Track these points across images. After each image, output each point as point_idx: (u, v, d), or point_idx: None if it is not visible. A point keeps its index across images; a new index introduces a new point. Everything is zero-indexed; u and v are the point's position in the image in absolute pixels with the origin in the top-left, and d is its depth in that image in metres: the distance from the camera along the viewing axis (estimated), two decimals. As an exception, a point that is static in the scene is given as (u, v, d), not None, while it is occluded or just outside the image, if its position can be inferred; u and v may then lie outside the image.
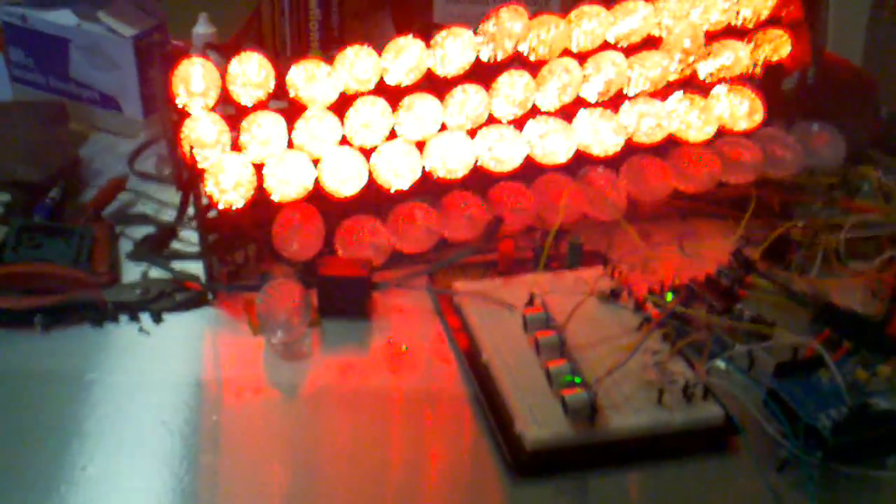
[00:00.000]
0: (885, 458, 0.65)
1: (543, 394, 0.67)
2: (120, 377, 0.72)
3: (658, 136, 0.93)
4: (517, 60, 0.92)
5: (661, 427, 0.65)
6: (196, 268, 0.83)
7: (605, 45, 0.94)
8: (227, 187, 0.82)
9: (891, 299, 0.77)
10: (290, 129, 0.85)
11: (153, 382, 0.71)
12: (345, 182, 0.85)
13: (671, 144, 0.93)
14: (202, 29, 1.09)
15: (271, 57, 0.86)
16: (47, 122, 1.02)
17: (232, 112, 0.85)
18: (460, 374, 0.73)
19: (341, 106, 0.86)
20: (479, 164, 0.89)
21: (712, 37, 0.97)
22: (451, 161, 0.88)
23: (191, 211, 0.85)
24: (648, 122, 0.93)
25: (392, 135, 0.87)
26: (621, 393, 0.67)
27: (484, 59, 0.90)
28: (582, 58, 0.92)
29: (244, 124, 0.84)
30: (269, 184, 0.83)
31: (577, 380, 0.66)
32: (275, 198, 0.84)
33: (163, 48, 1.05)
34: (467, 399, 0.71)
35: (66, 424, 0.67)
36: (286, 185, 0.84)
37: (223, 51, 1.03)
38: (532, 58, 0.91)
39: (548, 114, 0.92)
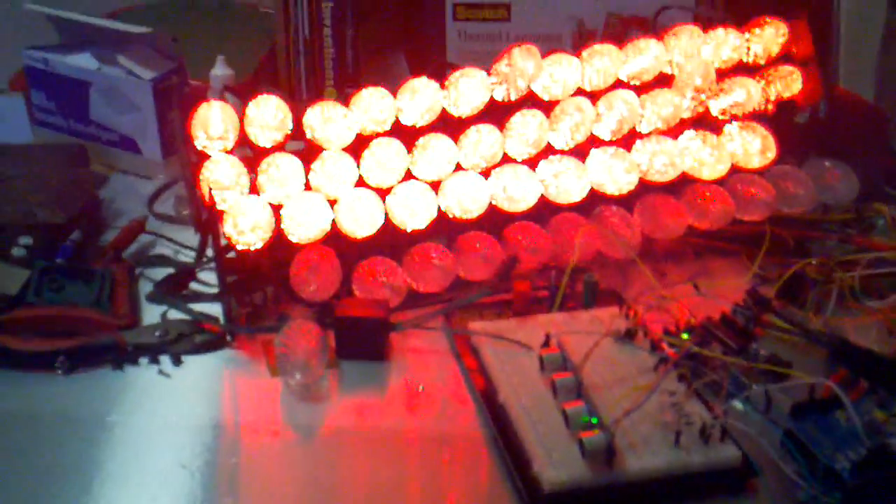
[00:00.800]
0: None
1: (561, 435, 0.67)
2: (140, 419, 0.72)
3: (671, 174, 0.93)
4: (530, 100, 0.93)
5: (678, 469, 0.65)
6: (215, 309, 0.84)
7: (618, 84, 0.95)
8: (245, 229, 0.83)
9: (907, 337, 0.77)
10: (307, 170, 0.86)
11: (173, 424, 0.72)
12: (361, 223, 0.86)
13: (684, 182, 0.94)
14: (220, 71, 1.11)
15: (288, 98, 0.87)
16: (68, 164, 1.03)
17: (249, 154, 0.86)
18: (477, 416, 0.73)
19: (357, 147, 0.87)
20: (493, 203, 0.90)
21: (723, 74, 0.98)
22: (466, 201, 0.89)
23: (209, 252, 0.86)
24: (661, 159, 0.93)
25: (408, 175, 0.89)
26: (639, 434, 0.67)
27: (498, 98, 0.91)
28: (594, 97, 0.93)
29: (262, 166, 0.85)
30: (286, 225, 0.84)
31: (595, 420, 0.67)
32: (293, 239, 0.85)
33: (181, 91, 1.07)
34: (484, 440, 0.71)
35: (86, 466, 0.67)
36: (304, 227, 0.85)
37: (240, 93, 1.05)
38: (545, 97, 0.92)
39: (561, 153, 0.93)
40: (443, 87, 0.89)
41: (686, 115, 0.96)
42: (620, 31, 1.15)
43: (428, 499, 0.67)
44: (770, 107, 0.98)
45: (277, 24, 1.17)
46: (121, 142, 1.11)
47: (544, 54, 0.91)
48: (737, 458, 0.66)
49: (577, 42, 1.17)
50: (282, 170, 0.85)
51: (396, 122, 0.89)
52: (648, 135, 0.95)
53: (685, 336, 0.77)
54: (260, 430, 0.72)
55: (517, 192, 0.90)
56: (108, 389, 0.75)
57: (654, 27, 1.00)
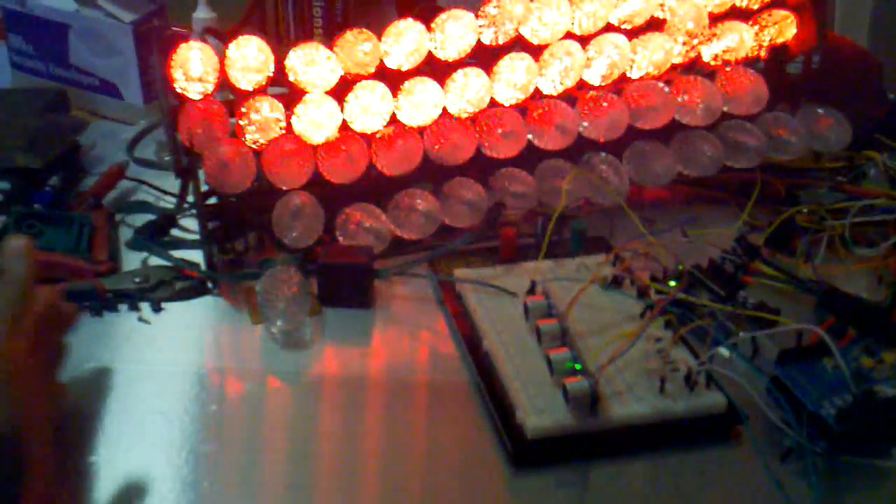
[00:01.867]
0: (891, 447, 0.64)
1: (545, 382, 0.66)
2: (119, 366, 0.71)
3: (660, 120, 0.91)
4: (519, 44, 0.91)
5: (662, 415, 0.64)
6: (196, 256, 0.83)
7: (608, 28, 0.93)
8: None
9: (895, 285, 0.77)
10: (290, 114, 0.84)
11: (153, 372, 0.71)
12: (343, 168, 0.85)
13: (674, 129, 0.92)
14: (202, 14, 1.08)
15: (270, 41, 0.85)
16: (47, 109, 1.01)
17: (231, 97, 0.85)
18: (462, 363, 0.72)
19: (341, 90, 0.85)
20: (480, 149, 0.88)
21: (716, 19, 0.96)
22: (451, 146, 0.87)
23: (190, 198, 0.85)
24: (652, 104, 0.92)
25: (393, 119, 0.87)
26: (623, 381, 0.66)
27: (485, 42, 0.89)
28: (584, 41, 0.91)
29: (243, 109, 0.83)
30: (268, 169, 0.83)
31: (579, 367, 0.66)
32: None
33: (161, 33, 1.05)
34: (469, 388, 0.70)
35: (66, 414, 0.66)
36: (286, 172, 0.83)
37: (222, 36, 1.02)
38: (534, 41, 0.90)
39: (550, 97, 0.91)
40: (429, 29, 0.87)
41: (678, 60, 0.94)
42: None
43: (411, 446, 0.66)
44: (763, 52, 0.96)
45: (265, -30, 1.14)
46: (101, 86, 1.09)
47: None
48: (722, 404, 0.65)
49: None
50: (262, 113, 0.83)
51: (381, 66, 0.87)
52: (639, 80, 0.93)
53: (672, 283, 0.76)
54: (241, 377, 0.72)
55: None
56: (87, 336, 0.74)
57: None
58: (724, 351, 0.71)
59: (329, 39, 0.86)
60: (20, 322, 0.57)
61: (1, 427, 0.52)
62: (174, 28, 1.11)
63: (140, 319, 0.76)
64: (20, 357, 0.55)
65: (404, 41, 0.86)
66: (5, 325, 0.56)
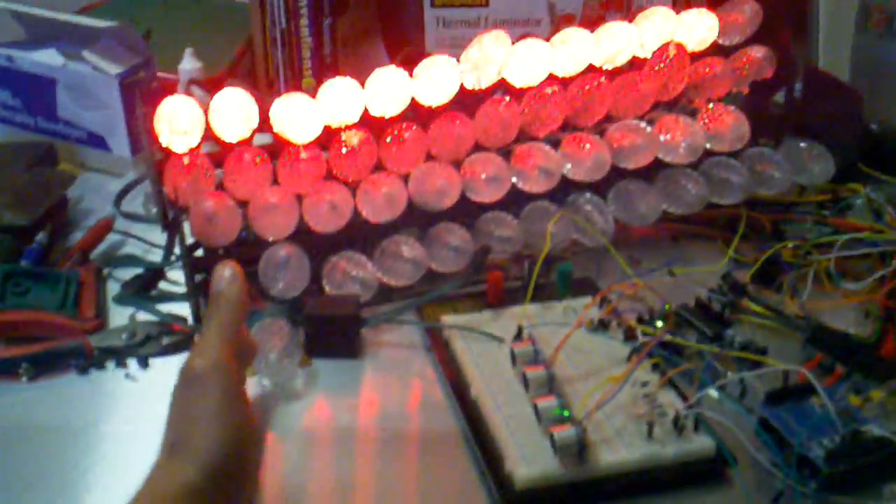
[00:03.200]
0: (881, 486, 0.64)
1: (533, 430, 0.66)
2: (107, 426, 0.71)
3: (644, 160, 0.92)
4: (502, 87, 0.91)
5: (651, 461, 0.64)
6: (184, 309, 0.83)
7: (590, 69, 0.93)
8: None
9: (882, 320, 0.76)
10: (276, 165, 0.85)
11: (141, 430, 0.70)
12: (329, 217, 0.85)
13: (658, 167, 0.93)
14: (188, 65, 1.09)
15: (255, 91, 0.86)
16: (35, 164, 1.02)
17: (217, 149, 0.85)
18: (450, 411, 0.72)
19: (326, 140, 0.86)
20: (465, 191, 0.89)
21: (697, 56, 0.96)
22: (436, 189, 0.87)
23: (178, 251, 0.85)
24: (634, 143, 0.92)
25: (377, 166, 0.87)
26: (611, 427, 0.66)
27: (468, 86, 0.90)
28: (566, 83, 0.92)
29: (228, 162, 0.84)
30: (253, 221, 0.83)
31: (567, 414, 0.66)
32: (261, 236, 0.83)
33: (145, 87, 1.06)
34: (458, 436, 0.70)
35: (51, 476, 0.66)
36: (272, 224, 0.83)
37: (207, 86, 1.03)
38: (516, 83, 0.91)
39: (534, 139, 0.91)
40: (412, 75, 0.87)
41: (659, 98, 0.94)
42: (599, 15, 1.13)
43: (401, 496, 0.66)
44: (744, 88, 0.96)
45: (253, 16, 1.15)
46: (89, 139, 1.09)
47: (519, 37, 0.90)
48: (711, 448, 0.65)
49: (553, 27, 1.16)
50: (246, 165, 0.84)
51: (366, 113, 0.87)
52: (621, 119, 0.93)
53: (659, 323, 0.77)
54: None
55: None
56: (74, 395, 0.74)
57: (630, 10, 0.98)
58: (712, 392, 0.71)
59: (319, 83, 0.86)
60: (234, 343, 0.61)
61: (228, 444, 0.55)
62: (161, 77, 1.12)
63: (127, 377, 0.76)
64: (235, 375, 0.59)
65: (388, 88, 0.86)
66: (228, 346, 0.60)
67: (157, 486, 0.53)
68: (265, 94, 1.14)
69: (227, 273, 0.64)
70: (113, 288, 0.87)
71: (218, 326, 0.61)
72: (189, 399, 0.57)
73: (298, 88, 0.92)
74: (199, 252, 0.84)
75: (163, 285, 0.88)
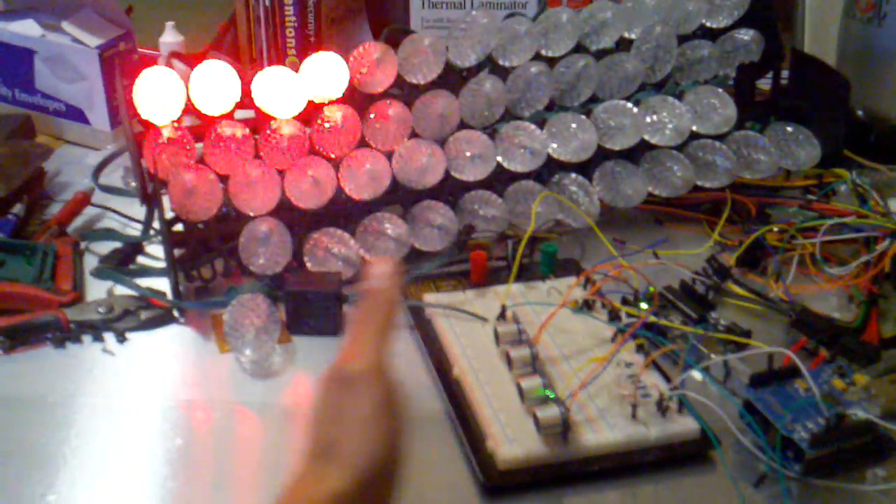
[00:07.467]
0: (865, 470, 0.64)
1: (516, 410, 0.65)
2: (82, 400, 0.70)
3: (630, 141, 0.91)
4: (488, 65, 0.90)
5: (635, 442, 0.64)
6: (162, 284, 0.81)
7: (577, 49, 0.92)
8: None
9: (866, 304, 0.76)
10: (258, 139, 0.83)
11: (117, 405, 0.69)
12: (311, 193, 0.83)
13: (644, 149, 0.92)
14: (169, 38, 1.07)
15: (237, 65, 0.84)
16: (12, 136, 1.00)
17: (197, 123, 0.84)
18: (433, 390, 0.71)
19: (309, 115, 0.85)
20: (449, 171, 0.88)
21: (685, 38, 0.96)
22: (420, 169, 0.86)
23: (156, 225, 0.84)
24: (621, 124, 0.91)
25: (360, 142, 0.86)
26: (595, 408, 0.66)
27: (454, 64, 0.89)
28: (552, 62, 0.91)
29: (209, 136, 0.82)
30: (234, 196, 0.81)
31: (551, 394, 0.65)
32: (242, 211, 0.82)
33: (125, 58, 1.04)
34: (441, 415, 0.69)
35: (26, 449, 0.65)
36: (252, 199, 0.82)
37: (189, 60, 1.02)
38: (503, 63, 0.90)
39: (519, 118, 0.90)
40: (397, 51, 0.86)
41: (646, 79, 0.94)
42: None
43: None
44: (732, 71, 0.96)
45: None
46: (68, 111, 1.07)
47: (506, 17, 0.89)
48: (695, 430, 0.65)
49: (542, 5, 1.15)
50: (228, 139, 0.82)
51: (350, 89, 0.86)
52: (608, 99, 0.93)
53: (644, 305, 0.76)
54: (209, 408, 0.70)
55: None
56: (50, 369, 0.72)
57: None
58: (696, 374, 0.70)
59: (303, 60, 0.85)
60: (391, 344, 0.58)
61: (380, 452, 0.52)
62: (141, 52, 1.10)
63: (104, 351, 0.75)
64: (392, 378, 0.55)
65: (372, 64, 0.85)
66: (386, 347, 0.56)
67: (305, 491, 0.51)
68: (248, 69, 1.13)
69: (383, 271, 0.60)
70: (90, 261, 0.85)
71: (376, 327, 0.57)
72: (343, 401, 0.53)
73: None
74: (179, 226, 0.83)
75: (141, 259, 0.86)
